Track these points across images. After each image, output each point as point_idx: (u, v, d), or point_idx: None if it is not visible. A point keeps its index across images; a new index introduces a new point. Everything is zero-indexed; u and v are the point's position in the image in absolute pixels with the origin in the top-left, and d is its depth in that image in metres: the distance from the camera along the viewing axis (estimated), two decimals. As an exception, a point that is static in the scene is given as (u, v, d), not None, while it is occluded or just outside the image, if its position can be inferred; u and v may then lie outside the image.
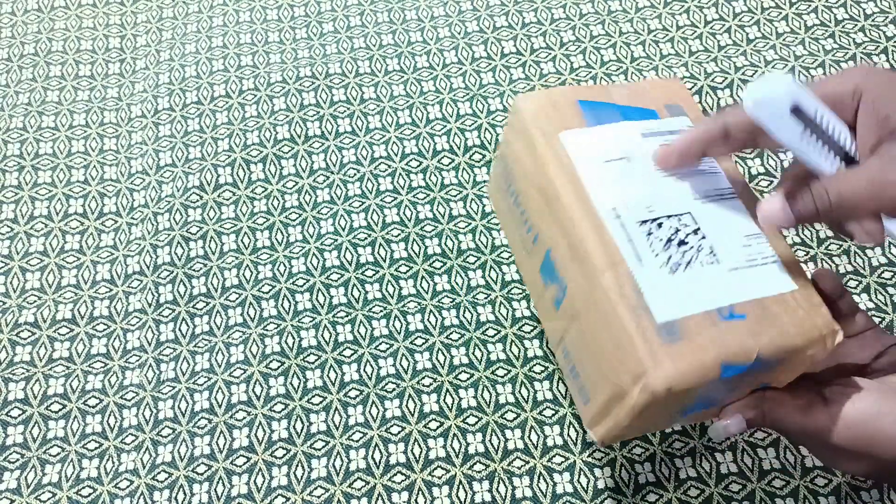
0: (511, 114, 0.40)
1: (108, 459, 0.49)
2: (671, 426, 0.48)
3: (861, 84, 0.32)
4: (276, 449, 0.49)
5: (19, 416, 0.51)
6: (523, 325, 0.52)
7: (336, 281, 0.54)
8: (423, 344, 0.52)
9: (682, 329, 0.33)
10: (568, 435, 0.48)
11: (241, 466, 0.48)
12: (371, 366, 0.51)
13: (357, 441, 0.49)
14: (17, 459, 0.49)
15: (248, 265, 0.55)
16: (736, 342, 0.34)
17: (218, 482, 0.48)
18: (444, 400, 0.50)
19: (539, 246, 0.40)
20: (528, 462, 0.48)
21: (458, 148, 0.60)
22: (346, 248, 0.56)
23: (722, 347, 0.33)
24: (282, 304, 0.54)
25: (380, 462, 0.48)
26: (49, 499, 0.48)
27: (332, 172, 0.59)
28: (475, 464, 0.48)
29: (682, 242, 0.36)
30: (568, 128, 0.38)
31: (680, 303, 0.34)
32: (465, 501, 0.47)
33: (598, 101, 0.39)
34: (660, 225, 0.36)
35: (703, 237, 0.36)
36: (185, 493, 0.48)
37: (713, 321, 0.34)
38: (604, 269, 0.34)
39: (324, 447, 0.49)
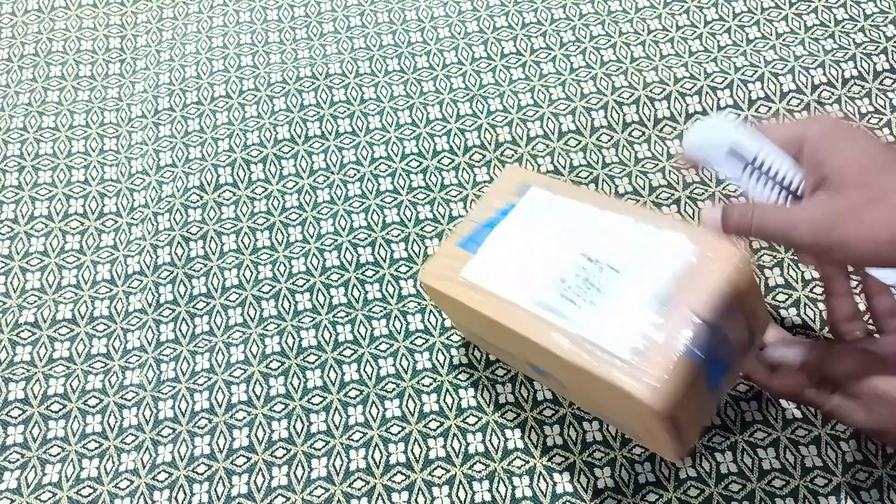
0: (425, 290, 0.46)
1: (108, 459, 0.49)
2: (717, 405, 0.49)
3: (804, 131, 0.34)
4: (276, 449, 0.49)
5: (19, 416, 0.51)
6: (523, 325, 0.52)
7: (336, 281, 0.54)
8: (423, 344, 0.52)
9: (643, 349, 0.37)
10: (568, 435, 0.48)
11: (241, 466, 0.48)
12: (371, 366, 0.51)
13: (357, 441, 0.49)
14: (17, 459, 0.49)
15: (248, 265, 0.55)
16: (681, 325, 0.37)
17: (218, 482, 0.48)
18: (443, 400, 0.50)
19: (518, 360, 0.47)
20: (528, 462, 0.48)
21: (458, 148, 0.60)
22: (346, 248, 0.56)
23: (678, 338, 0.37)
24: (282, 304, 0.54)
25: (380, 462, 0.48)
26: (49, 499, 0.48)
27: (332, 172, 0.59)
28: (475, 463, 0.48)
29: (586, 281, 0.40)
30: (461, 267, 0.43)
31: (625, 331, 0.38)
32: (465, 501, 0.47)
33: (469, 233, 0.45)
34: (571, 286, 0.40)
35: (597, 261, 0.40)
36: (185, 493, 0.48)
37: (658, 325, 0.38)
38: (560, 351, 0.38)
39: (324, 447, 0.49)
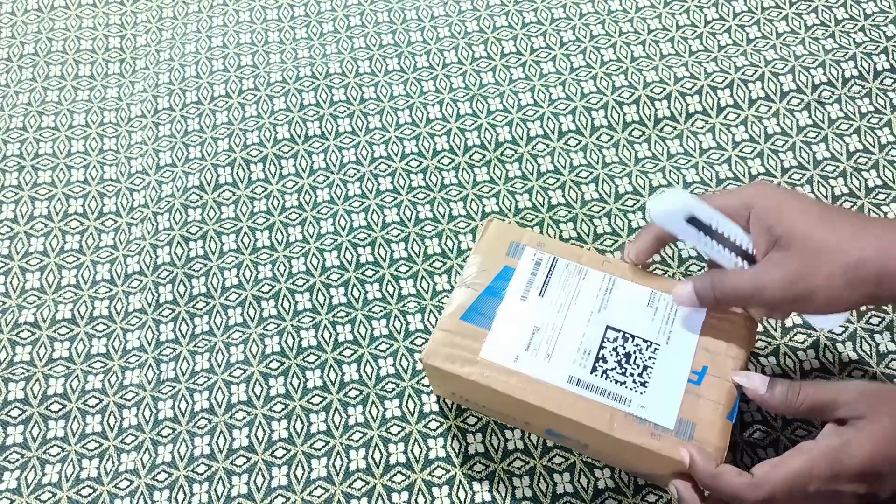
0: (427, 369, 0.43)
1: (108, 459, 0.49)
2: None
3: (751, 199, 0.39)
4: (276, 449, 0.49)
5: (19, 416, 0.51)
6: (523, 325, 0.52)
7: (336, 281, 0.54)
8: (423, 344, 0.52)
9: (688, 419, 0.39)
10: (568, 435, 0.48)
11: (241, 466, 0.48)
12: (371, 366, 0.51)
13: (357, 441, 0.49)
14: (17, 459, 0.49)
15: (248, 265, 0.55)
16: (720, 394, 0.39)
17: (218, 482, 0.48)
18: (443, 399, 0.50)
19: (535, 426, 0.46)
20: (528, 462, 0.48)
21: (458, 148, 0.60)
22: (346, 248, 0.56)
23: (718, 407, 0.39)
24: (282, 304, 0.54)
25: (380, 462, 0.48)
26: (49, 499, 0.48)
27: (332, 172, 0.59)
28: (475, 464, 0.48)
29: (627, 356, 0.41)
30: (478, 347, 0.41)
31: (669, 402, 0.39)
32: (465, 501, 0.47)
33: (472, 302, 0.42)
34: (604, 359, 0.40)
35: (632, 336, 0.41)
36: (185, 493, 0.48)
37: (697, 393, 0.39)
38: (608, 429, 0.39)
39: (324, 447, 0.49)
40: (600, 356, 0.40)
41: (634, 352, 0.40)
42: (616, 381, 0.40)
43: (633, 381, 0.40)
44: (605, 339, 0.41)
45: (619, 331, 0.41)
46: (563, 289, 0.42)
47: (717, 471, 0.36)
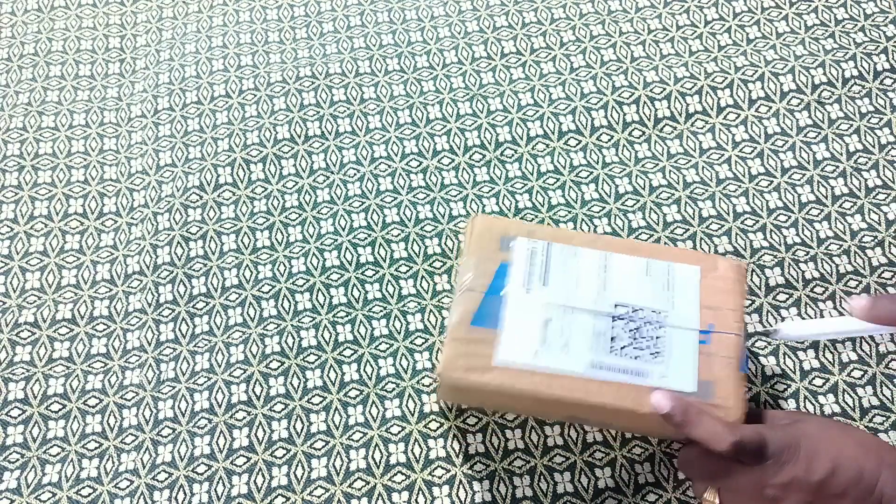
0: (443, 382, 0.41)
1: (108, 459, 0.49)
2: None
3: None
4: (276, 449, 0.49)
5: (19, 416, 0.51)
6: (523, 324, 0.52)
7: (336, 281, 0.54)
8: (423, 344, 0.52)
9: (706, 379, 0.40)
10: (568, 435, 0.48)
11: (241, 466, 0.48)
12: (371, 366, 0.51)
13: (357, 441, 0.49)
14: (17, 459, 0.49)
15: (248, 265, 0.55)
16: (729, 349, 0.40)
17: (218, 482, 0.48)
18: (443, 402, 0.50)
19: (557, 414, 0.46)
20: (528, 462, 0.48)
21: (458, 148, 0.60)
22: (346, 248, 0.56)
23: (731, 361, 0.40)
24: (282, 304, 0.54)
25: (380, 462, 0.48)
26: (49, 499, 0.48)
27: (332, 172, 0.59)
28: (475, 464, 0.48)
29: (638, 329, 0.41)
30: (493, 352, 0.40)
31: (686, 366, 0.40)
32: (465, 501, 0.47)
33: (478, 306, 0.41)
34: (619, 337, 0.41)
35: (640, 308, 0.41)
36: (185, 493, 0.48)
37: (708, 352, 0.40)
38: (636, 406, 0.39)
39: (324, 447, 0.49)
40: (614, 335, 0.41)
41: (644, 323, 0.41)
42: (633, 357, 0.40)
43: (650, 353, 0.40)
44: (615, 317, 0.41)
45: (626, 306, 0.41)
46: (564, 274, 0.42)
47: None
